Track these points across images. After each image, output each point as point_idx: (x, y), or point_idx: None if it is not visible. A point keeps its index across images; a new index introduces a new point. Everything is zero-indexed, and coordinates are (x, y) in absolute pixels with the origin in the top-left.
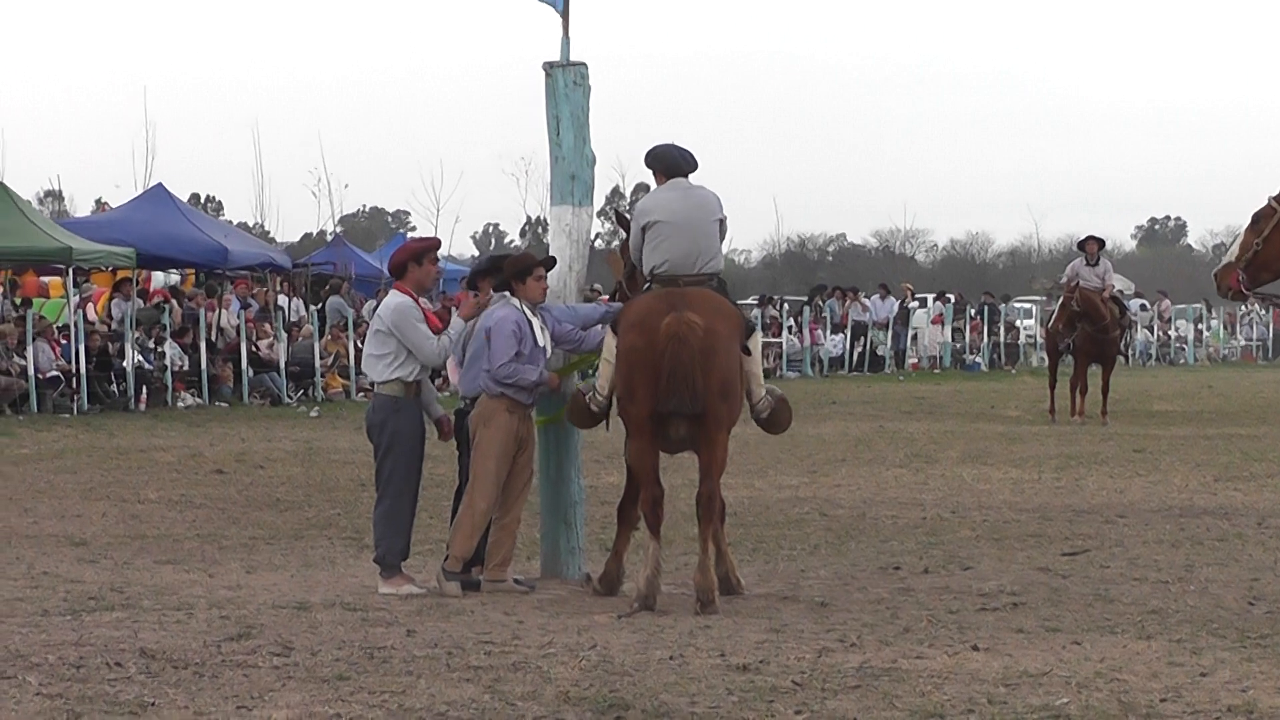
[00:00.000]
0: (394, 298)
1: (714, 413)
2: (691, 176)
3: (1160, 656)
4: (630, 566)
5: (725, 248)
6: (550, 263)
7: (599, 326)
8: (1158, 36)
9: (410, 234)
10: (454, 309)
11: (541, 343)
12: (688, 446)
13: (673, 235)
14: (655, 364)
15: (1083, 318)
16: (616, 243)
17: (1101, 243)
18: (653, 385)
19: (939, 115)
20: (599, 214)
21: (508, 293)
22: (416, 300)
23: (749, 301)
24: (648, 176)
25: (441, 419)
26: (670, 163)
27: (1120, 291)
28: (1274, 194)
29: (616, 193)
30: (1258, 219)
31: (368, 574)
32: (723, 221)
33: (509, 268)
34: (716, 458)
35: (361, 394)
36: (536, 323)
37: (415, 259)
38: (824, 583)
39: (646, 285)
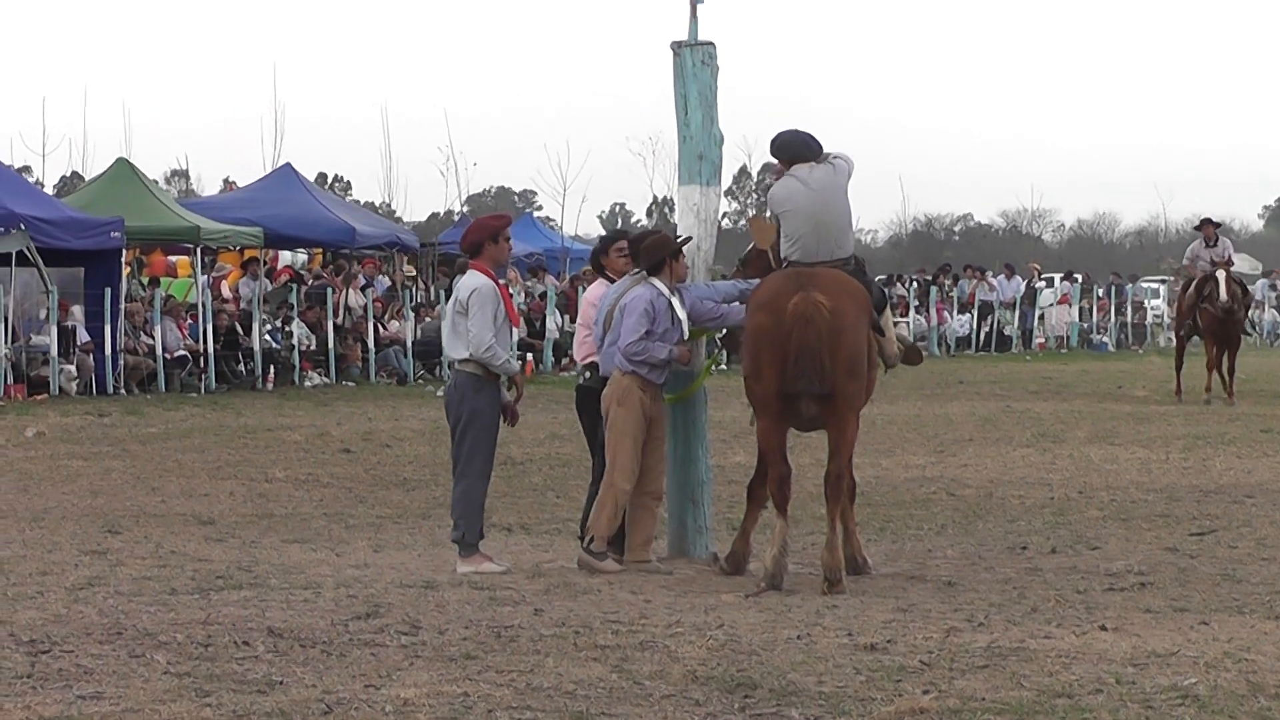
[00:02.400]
0: (474, 278)
1: (842, 392)
2: None
3: None
4: (757, 546)
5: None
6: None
7: (738, 303)
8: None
9: (537, 214)
10: (581, 289)
11: (681, 322)
12: (818, 425)
13: (802, 227)
14: (782, 344)
15: (1205, 299)
16: (770, 213)
17: (1218, 225)
18: (780, 365)
19: (1065, 94)
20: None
21: (646, 272)
22: (497, 282)
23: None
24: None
25: (508, 404)
26: (794, 151)
27: (1240, 272)
28: None
29: (744, 172)
30: None
31: (495, 552)
32: (849, 174)
33: (649, 253)
34: (846, 437)
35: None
36: (675, 301)
37: (492, 237)
38: (951, 562)
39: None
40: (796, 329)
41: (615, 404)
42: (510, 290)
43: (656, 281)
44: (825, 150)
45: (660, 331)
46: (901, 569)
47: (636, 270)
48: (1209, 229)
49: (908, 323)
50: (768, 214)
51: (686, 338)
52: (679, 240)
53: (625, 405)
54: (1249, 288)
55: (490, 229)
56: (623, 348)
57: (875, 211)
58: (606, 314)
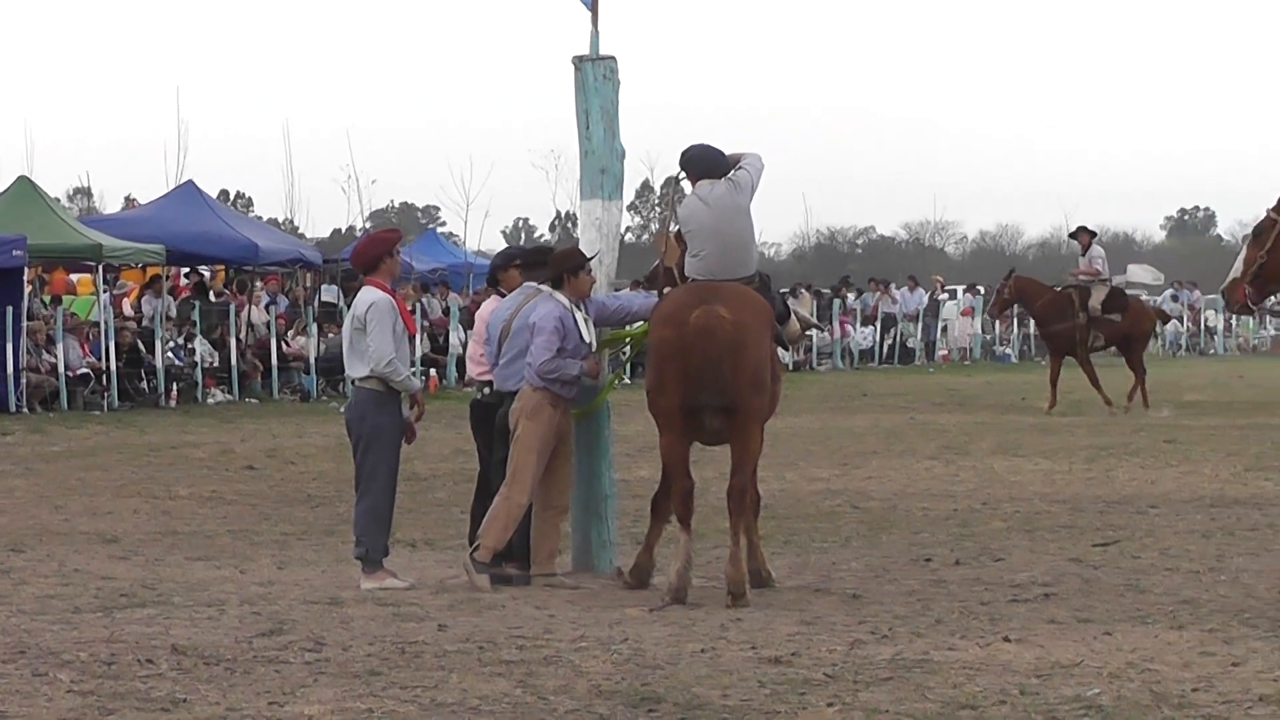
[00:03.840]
0: (370, 293)
1: (745, 406)
2: None
3: (1192, 646)
4: (661, 559)
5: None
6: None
7: (645, 300)
8: (1184, 29)
9: (441, 229)
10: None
11: (586, 338)
12: (722, 439)
13: (705, 245)
14: (685, 358)
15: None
16: (675, 227)
17: (1093, 234)
18: (682, 378)
19: (967, 106)
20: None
21: (547, 286)
22: (394, 295)
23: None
24: (676, 169)
25: (408, 422)
26: (700, 167)
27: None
28: (1271, 206)
29: (646, 186)
30: (1259, 232)
31: (403, 569)
32: (753, 187)
33: (560, 262)
34: (749, 450)
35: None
36: (580, 316)
37: (389, 251)
38: (856, 575)
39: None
40: (699, 342)
41: (524, 418)
42: (406, 303)
43: (560, 296)
44: (736, 153)
45: (570, 348)
46: (806, 582)
47: (527, 285)
48: (1084, 237)
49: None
50: (672, 228)
51: (595, 349)
52: (586, 255)
53: (535, 420)
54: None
55: (387, 243)
56: (537, 367)
57: (779, 225)
58: (500, 330)
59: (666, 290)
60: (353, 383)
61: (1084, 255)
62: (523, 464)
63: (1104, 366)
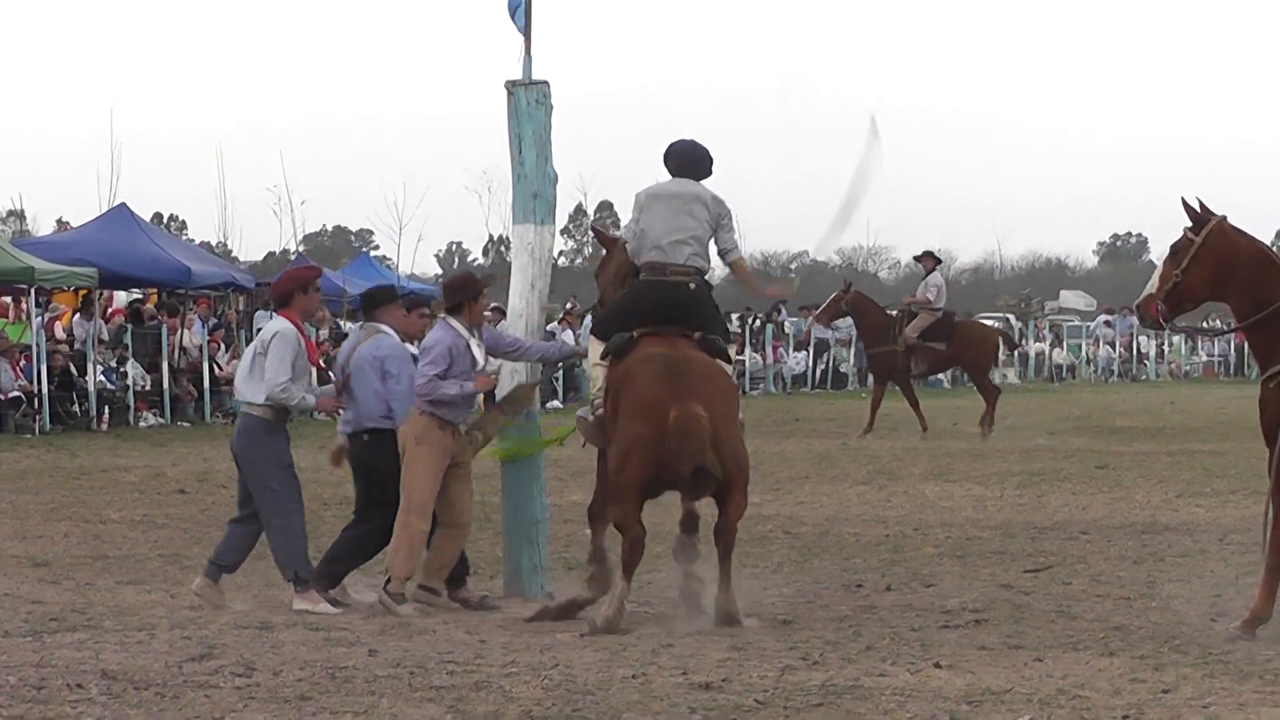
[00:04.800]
0: (279, 322)
1: (731, 480)
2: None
3: (1123, 673)
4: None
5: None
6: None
7: (547, 345)
8: (1115, 55)
9: (374, 253)
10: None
11: (479, 362)
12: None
13: (659, 212)
14: (659, 451)
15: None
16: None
17: (938, 260)
18: (651, 466)
19: (899, 132)
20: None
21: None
22: (302, 330)
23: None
24: (610, 193)
25: (340, 447)
26: (680, 162)
27: (939, 309)
28: (1189, 225)
29: (580, 211)
30: (1176, 251)
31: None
32: (721, 212)
33: (462, 289)
34: (739, 503)
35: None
36: (474, 342)
37: (302, 288)
38: (787, 600)
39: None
40: (677, 442)
41: (413, 442)
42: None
43: (455, 322)
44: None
45: (458, 373)
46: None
47: (364, 324)
48: (928, 261)
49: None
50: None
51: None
52: (481, 280)
53: (425, 444)
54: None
55: (301, 280)
56: (415, 388)
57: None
58: (344, 363)
59: (636, 362)
60: (240, 410)
61: (923, 280)
62: (416, 488)
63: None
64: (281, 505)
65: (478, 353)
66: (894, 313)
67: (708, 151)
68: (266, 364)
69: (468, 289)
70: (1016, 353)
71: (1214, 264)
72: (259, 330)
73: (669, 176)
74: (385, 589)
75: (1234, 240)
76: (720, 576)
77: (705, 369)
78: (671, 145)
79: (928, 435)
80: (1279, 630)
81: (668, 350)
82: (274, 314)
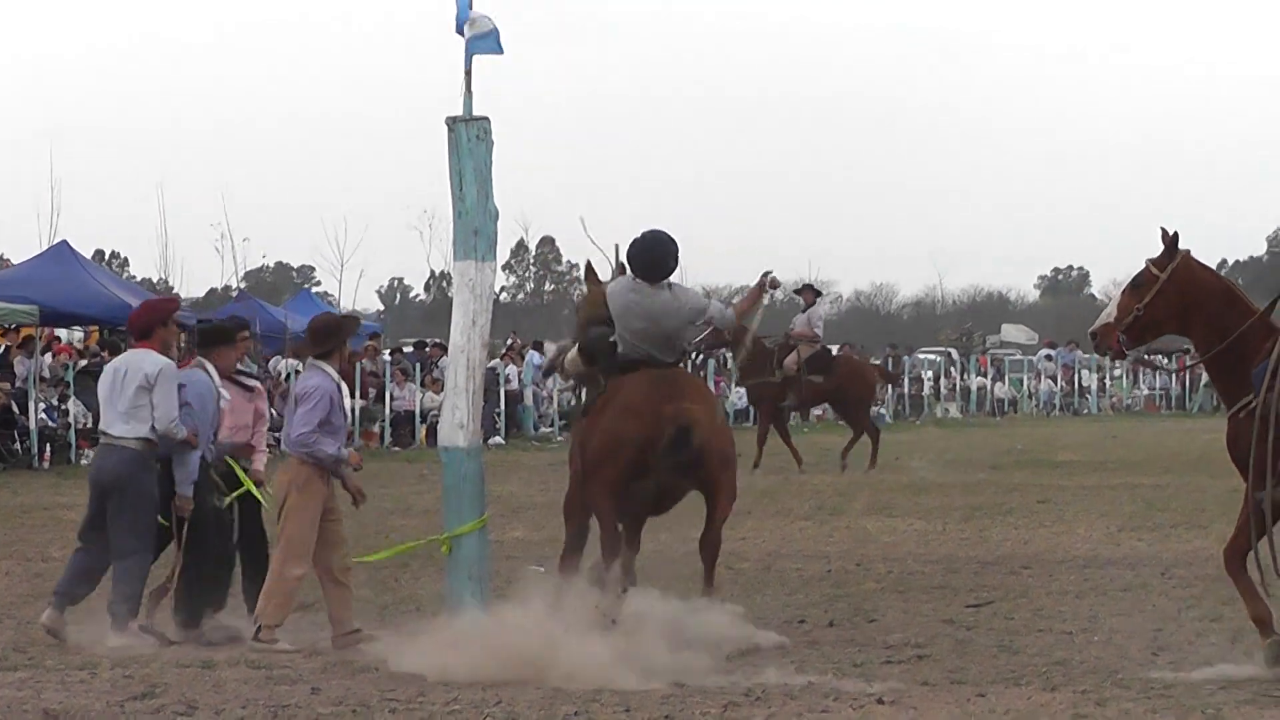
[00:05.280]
0: (156, 357)
1: (718, 481)
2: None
3: (1065, 708)
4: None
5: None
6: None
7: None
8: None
9: (315, 289)
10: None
11: (348, 413)
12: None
13: (637, 329)
14: (649, 449)
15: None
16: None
17: (818, 293)
18: (636, 465)
19: (842, 165)
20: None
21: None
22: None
23: None
24: (552, 229)
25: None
26: (644, 262)
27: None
28: (1153, 258)
29: (521, 246)
30: (1139, 284)
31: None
32: (697, 309)
33: (329, 334)
34: (723, 509)
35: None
36: (345, 391)
37: (162, 320)
38: (730, 636)
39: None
40: (672, 433)
41: (295, 491)
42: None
43: (328, 368)
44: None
45: (336, 423)
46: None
47: (198, 361)
48: (808, 295)
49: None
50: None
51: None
52: (349, 323)
53: (305, 493)
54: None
55: (162, 312)
56: (295, 436)
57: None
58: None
59: (626, 377)
60: (101, 438)
61: (804, 313)
62: (295, 537)
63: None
64: (140, 540)
65: (347, 401)
66: (772, 345)
67: (670, 244)
68: (154, 398)
69: (338, 333)
70: (892, 388)
71: (1178, 298)
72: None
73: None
74: (257, 637)
75: (1199, 275)
76: (706, 590)
77: (690, 379)
78: (633, 245)
79: (805, 469)
80: (1218, 668)
81: (654, 368)
82: (130, 346)
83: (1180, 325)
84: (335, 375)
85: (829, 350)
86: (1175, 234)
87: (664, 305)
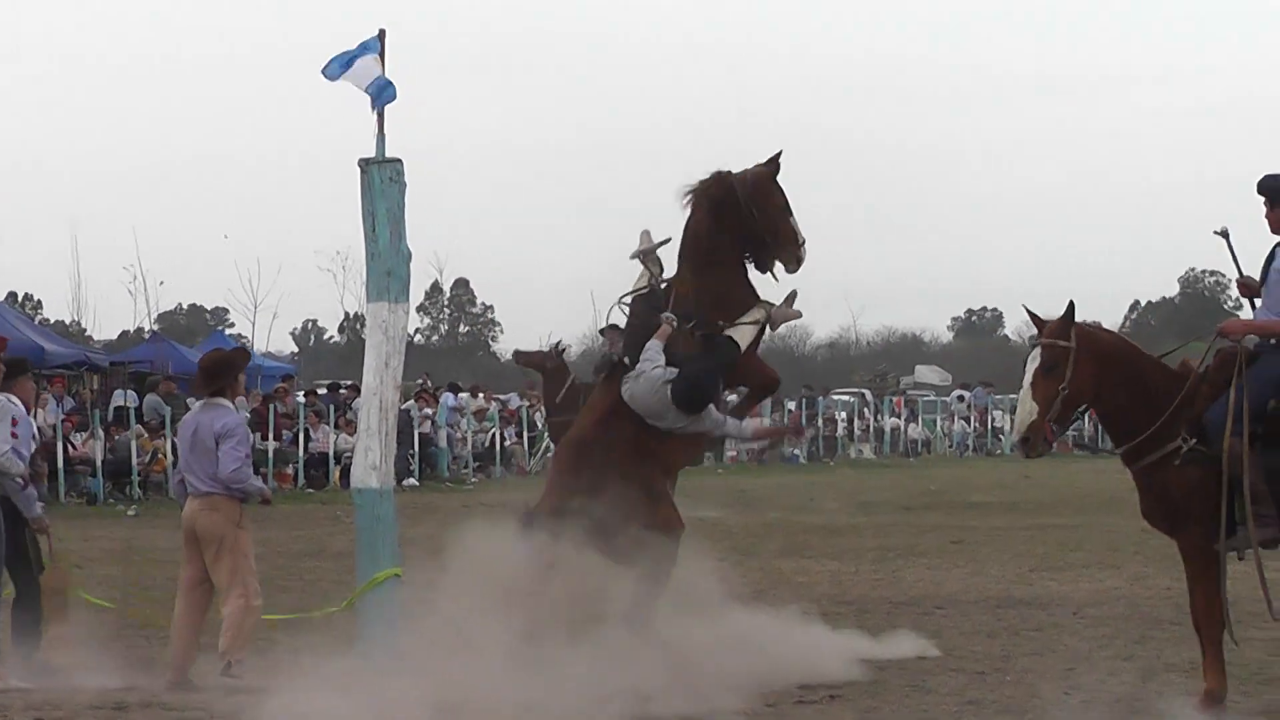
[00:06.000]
0: None
1: None
2: None
3: None
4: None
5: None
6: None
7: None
8: (966, 130)
9: (229, 331)
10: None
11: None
12: None
13: None
14: None
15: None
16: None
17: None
18: None
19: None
20: (417, 309)
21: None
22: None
23: None
24: (466, 271)
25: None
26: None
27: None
28: (1043, 335)
29: (436, 288)
30: (1051, 366)
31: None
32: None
33: (221, 371)
34: None
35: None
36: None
37: None
38: (645, 680)
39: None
40: None
41: (234, 527)
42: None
43: (228, 403)
44: None
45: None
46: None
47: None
48: (612, 335)
49: None
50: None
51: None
52: (238, 358)
53: (244, 528)
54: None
55: None
56: (229, 473)
57: (569, 325)
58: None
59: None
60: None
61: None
62: (246, 570)
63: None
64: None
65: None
66: (580, 384)
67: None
68: None
69: (230, 369)
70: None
71: (1093, 365)
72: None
73: None
74: (229, 673)
75: (1098, 334)
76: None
77: None
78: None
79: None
80: (1135, 706)
81: None
82: None
83: (1103, 389)
84: (235, 410)
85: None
86: (1071, 302)
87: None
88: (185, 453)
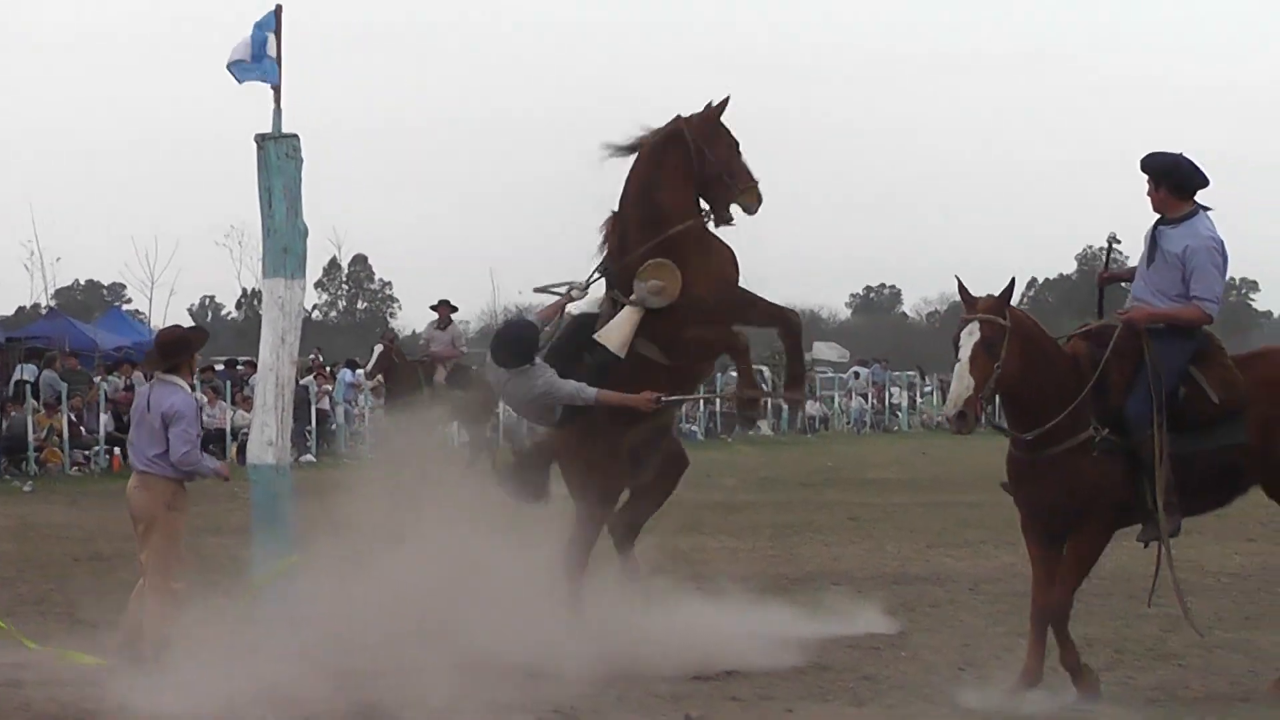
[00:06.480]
0: None
1: None
2: None
3: None
4: None
5: None
6: None
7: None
8: (864, 106)
9: (126, 307)
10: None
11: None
12: None
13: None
14: None
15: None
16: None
17: (454, 308)
18: None
19: None
20: (314, 285)
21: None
22: None
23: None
24: (365, 247)
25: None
26: (508, 354)
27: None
28: (974, 312)
29: (334, 264)
30: (990, 343)
31: (84, 649)
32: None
33: (177, 348)
34: None
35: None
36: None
37: None
38: (539, 654)
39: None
40: None
41: (166, 509)
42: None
43: (181, 382)
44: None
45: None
46: (490, 661)
47: None
48: (443, 311)
49: None
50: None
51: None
52: (196, 336)
53: (176, 509)
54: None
55: None
56: (180, 456)
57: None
58: None
59: None
60: None
61: (442, 329)
62: (172, 553)
63: (785, 444)
64: None
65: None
66: (416, 361)
67: (528, 336)
68: None
69: (186, 347)
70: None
71: (1022, 344)
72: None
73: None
74: (145, 658)
75: (1025, 317)
76: None
77: None
78: (495, 338)
79: None
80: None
81: None
82: None
83: (1022, 374)
84: (188, 389)
85: (466, 368)
86: (1013, 279)
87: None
88: (133, 426)
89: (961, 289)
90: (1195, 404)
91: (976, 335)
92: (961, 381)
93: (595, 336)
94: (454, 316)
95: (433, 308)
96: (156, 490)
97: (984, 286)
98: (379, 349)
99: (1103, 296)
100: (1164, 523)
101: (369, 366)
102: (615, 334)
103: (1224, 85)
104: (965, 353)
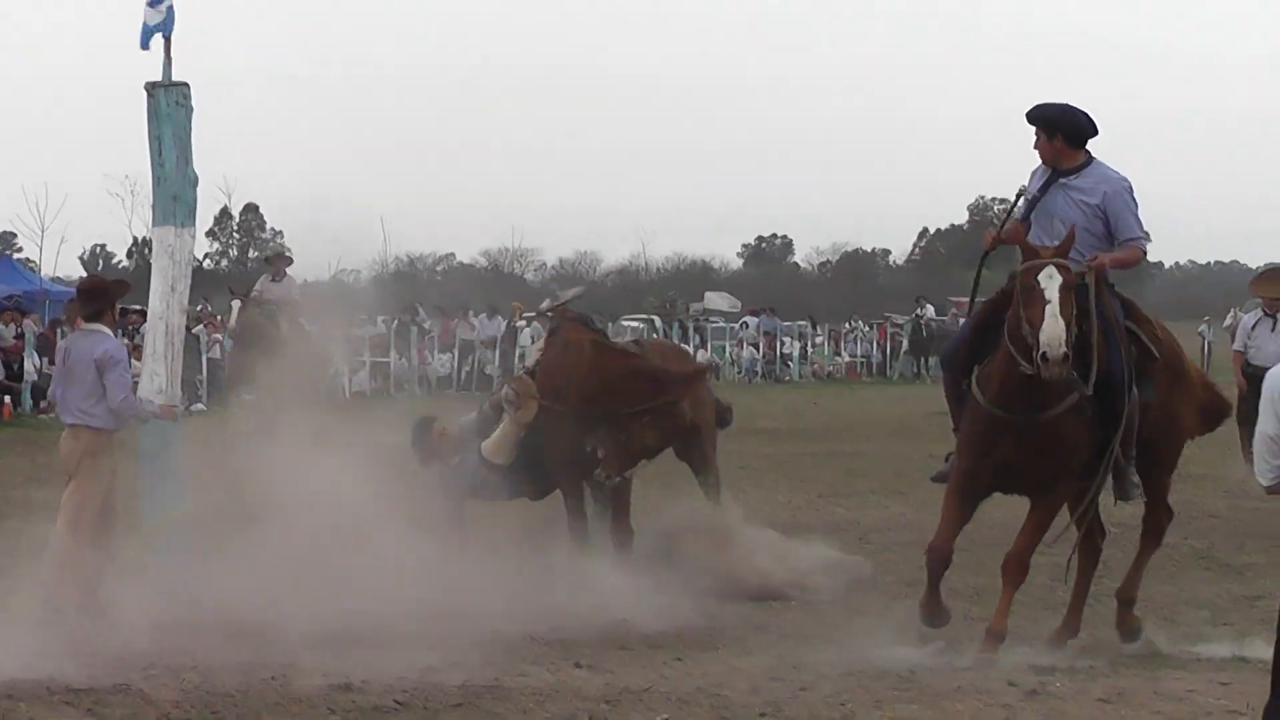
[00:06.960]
0: None
1: None
2: None
3: (761, 671)
4: None
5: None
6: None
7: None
8: (756, 55)
9: (17, 255)
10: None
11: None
12: None
13: None
14: None
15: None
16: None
17: (291, 260)
18: None
19: (546, 137)
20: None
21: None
22: None
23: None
24: (256, 197)
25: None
26: None
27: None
28: (1037, 267)
29: (225, 213)
30: (1069, 288)
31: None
32: None
33: (98, 294)
34: None
35: None
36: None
37: None
38: (428, 602)
39: None
40: None
41: (89, 458)
42: None
43: (105, 329)
44: None
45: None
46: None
47: None
48: (279, 263)
49: None
50: None
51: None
52: (115, 284)
53: (103, 459)
54: None
55: None
56: (119, 403)
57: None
58: None
59: None
60: None
61: (278, 281)
62: (89, 506)
63: None
64: None
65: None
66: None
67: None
68: None
69: (106, 294)
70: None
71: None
72: None
73: None
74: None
75: None
76: None
77: None
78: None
79: None
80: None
81: None
82: None
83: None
84: (114, 336)
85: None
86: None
87: None
88: (58, 382)
89: (1025, 244)
90: (1141, 360)
91: (1059, 278)
92: (1057, 324)
93: (481, 451)
94: (345, 265)
95: (266, 260)
96: (84, 441)
97: (876, 239)
98: (237, 304)
99: (985, 259)
100: (1132, 477)
101: (232, 324)
102: (496, 445)
103: (1110, 36)
104: (1054, 293)
